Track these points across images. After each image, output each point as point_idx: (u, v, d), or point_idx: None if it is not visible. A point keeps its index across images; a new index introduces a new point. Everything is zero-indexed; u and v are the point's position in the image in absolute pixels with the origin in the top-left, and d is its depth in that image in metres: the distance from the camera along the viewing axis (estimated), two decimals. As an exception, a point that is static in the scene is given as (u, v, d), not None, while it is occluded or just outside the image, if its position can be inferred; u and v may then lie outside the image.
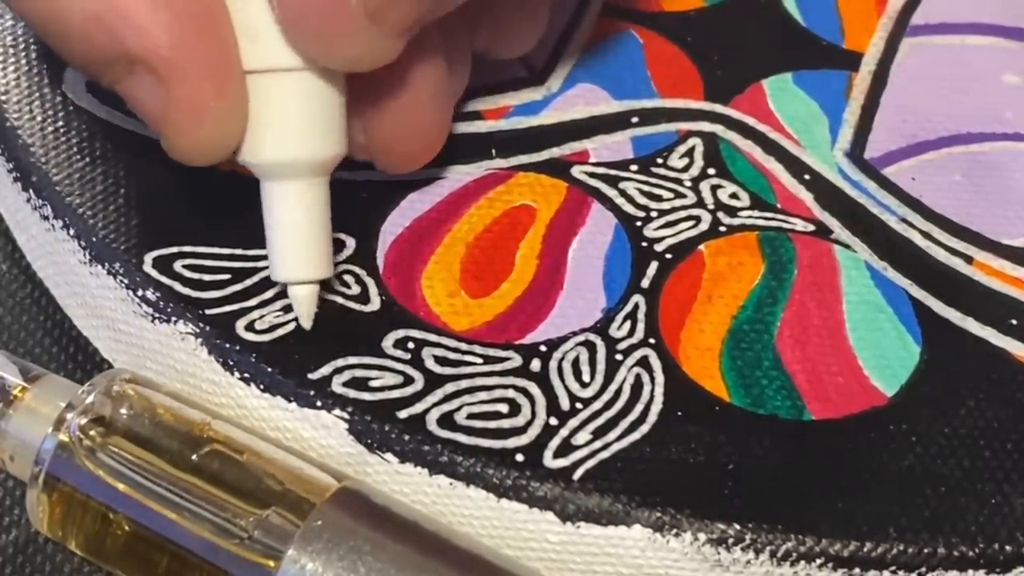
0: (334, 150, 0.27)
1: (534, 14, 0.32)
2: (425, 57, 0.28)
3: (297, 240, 0.27)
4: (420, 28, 0.27)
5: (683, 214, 0.31)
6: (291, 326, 0.28)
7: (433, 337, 0.28)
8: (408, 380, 0.27)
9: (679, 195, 0.32)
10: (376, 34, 0.26)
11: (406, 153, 0.30)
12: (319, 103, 0.26)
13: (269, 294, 0.28)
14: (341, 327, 0.28)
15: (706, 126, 0.33)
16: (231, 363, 0.27)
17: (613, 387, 0.28)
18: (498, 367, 0.28)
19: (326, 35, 0.25)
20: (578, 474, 0.26)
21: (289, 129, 0.26)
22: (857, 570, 0.26)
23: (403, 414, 0.27)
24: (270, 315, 0.28)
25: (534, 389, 0.27)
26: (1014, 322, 0.30)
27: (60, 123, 0.31)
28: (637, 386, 0.28)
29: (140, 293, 0.28)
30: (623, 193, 0.31)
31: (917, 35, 0.36)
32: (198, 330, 0.28)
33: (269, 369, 0.27)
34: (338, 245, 0.29)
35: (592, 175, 0.32)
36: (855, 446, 0.27)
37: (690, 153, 0.33)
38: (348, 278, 0.29)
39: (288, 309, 0.28)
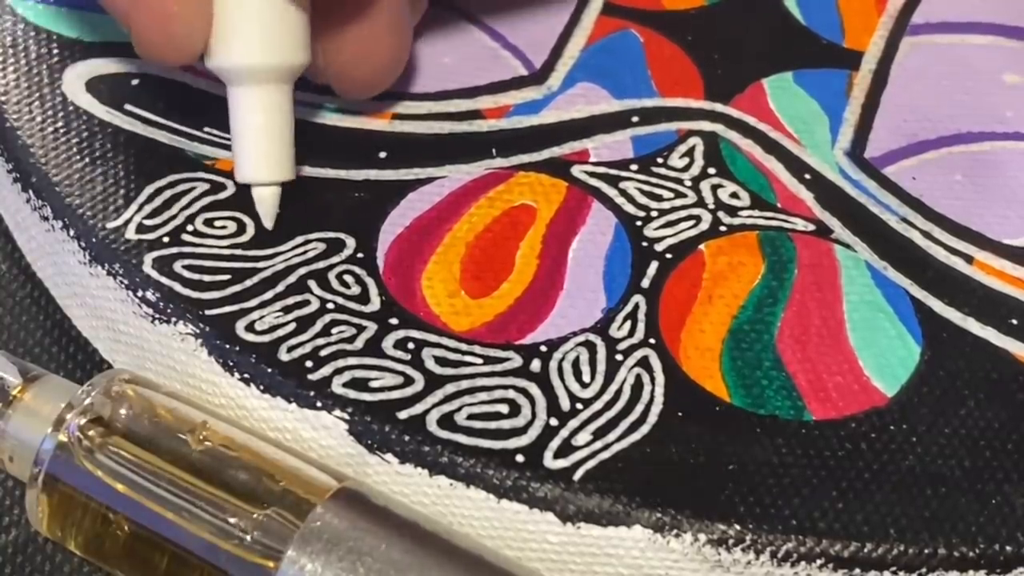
0: (297, 59, 0.29)
1: None
2: None
3: (261, 143, 0.29)
4: None
5: (683, 214, 0.31)
6: (291, 327, 0.28)
7: (433, 337, 0.28)
8: (408, 381, 0.27)
9: (679, 195, 0.31)
10: None
11: (362, 78, 0.31)
12: (283, 13, 0.28)
13: (269, 295, 0.28)
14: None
15: (706, 125, 0.33)
16: (231, 364, 0.27)
17: (613, 387, 0.27)
18: (498, 367, 0.28)
19: None
20: (578, 475, 0.26)
21: (254, 36, 0.28)
22: (857, 570, 0.26)
23: (403, 415, 0.27)
24: (270, 316, 0.28)
25: (534, 390, 0.27)
26: (1015, 322, 0.29)
27: (60, 123, 0.31)
28: (637, 386, 0.28)
29: (140, 294, 0.28)
30: (623, 193, 0.31)
31: (917, 34, 0.36)
32: (198, 331, 0.28)
33: (269, 370, 0.27)
34: (338, 245, 0.29)
35: (592, 174, 0.32)
36: (855, 446, 0.27)
37: (690, 152, 0.32)
38: (348, 278, 0.29)
39: (288, 310, 0.28)
